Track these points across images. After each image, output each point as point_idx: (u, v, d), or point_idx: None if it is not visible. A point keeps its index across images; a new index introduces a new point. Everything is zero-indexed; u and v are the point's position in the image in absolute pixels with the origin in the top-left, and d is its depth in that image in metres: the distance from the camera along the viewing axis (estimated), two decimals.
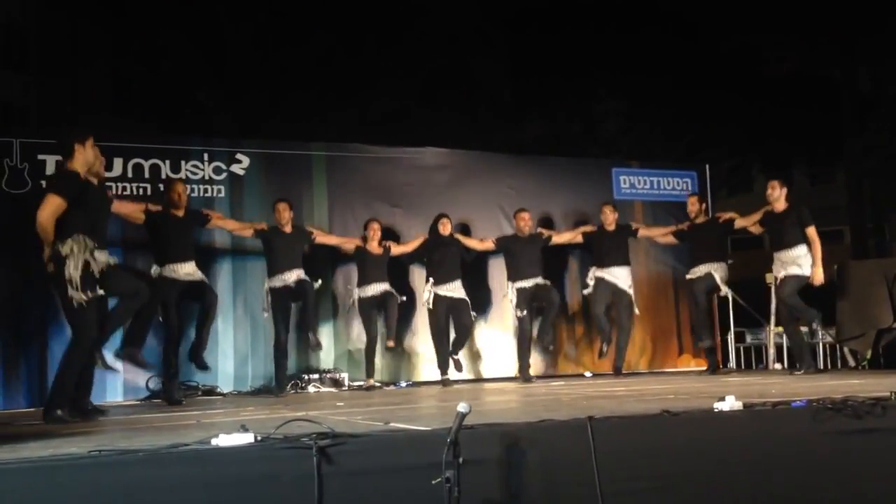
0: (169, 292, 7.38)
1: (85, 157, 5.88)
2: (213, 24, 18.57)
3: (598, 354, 9.42)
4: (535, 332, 9.14)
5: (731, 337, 10.23)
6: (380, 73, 18.40)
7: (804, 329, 8.64)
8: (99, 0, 21.14)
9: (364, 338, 8.77)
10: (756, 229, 9.05)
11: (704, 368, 9.47)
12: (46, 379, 7.41)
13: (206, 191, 8.55)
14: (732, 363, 10.16)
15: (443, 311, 8.76)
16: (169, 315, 7.39)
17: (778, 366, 9.59)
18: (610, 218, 9.40)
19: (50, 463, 3.17)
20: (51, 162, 7.74)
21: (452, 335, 8.97)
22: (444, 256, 8.83)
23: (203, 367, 7.61)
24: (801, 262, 8.33)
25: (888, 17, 16.61)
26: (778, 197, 8.58)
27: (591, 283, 9.37)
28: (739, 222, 9.11)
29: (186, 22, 18.48)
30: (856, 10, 17.20)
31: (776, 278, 8.57)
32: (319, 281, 8.33)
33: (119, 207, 7.11)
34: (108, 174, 7.68)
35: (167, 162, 8.41)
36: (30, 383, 7.58)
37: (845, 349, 9.52)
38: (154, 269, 7.45)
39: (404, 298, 8.80)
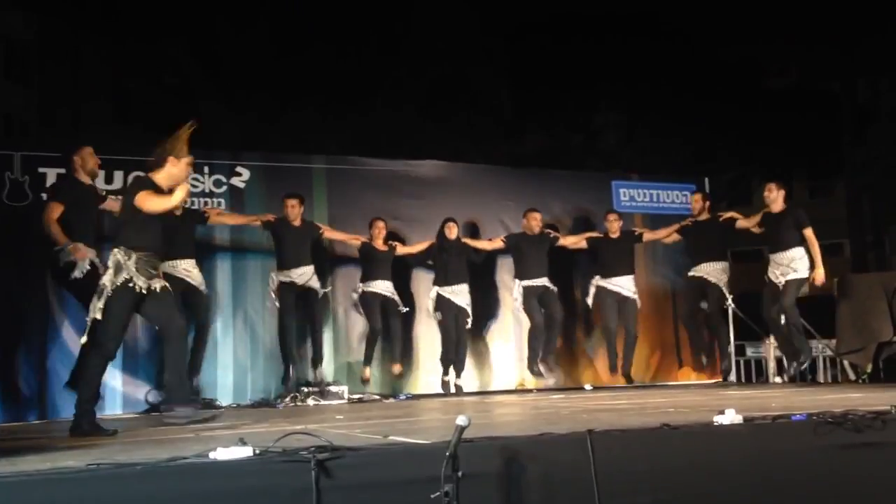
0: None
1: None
2: (213, 36, 18.62)
3: (609, 369, 9.44)
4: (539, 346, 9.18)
5: (731, 350, 10.21)
6: (379, 86, 18.44)
7: (792, 370, 8.76)
8: (100, 13, 21.19)
9: (364, 344, 8.81)
10: (757, 230, 9.06)
11: (708, 381, 9.48)
12: (46, 392, 7.41)
13: (206, 204, 8.59)
14: (733, 376, 10.13)
15: (447, 312, 8.84)
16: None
17: (778, 379, 9.55)
18: (615, 226, 9.44)
19: (48, 476, 3.15)
20: (51, 175, 7.77)
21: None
22: (449, 260, 8.87)
23: (195, 393, 7.45)
24: (796, 265, 8.35)
25: (887, 29, 16.63)
26: (775, 199, 8.62)
27: (592, 291, 9.40)
28: (741, 223, 9.16)
29: (187, 35, 18.53)
30: (855, 22, 17.24)
31: (774, 284, 8.53)
32: (329, 287, 8.37)
33: (112, 205, 7.18)
34: (109, 187, 7.76)
35: None
36: (29, 396, 7.54)
37: (845, 362, 9.48)
38: None
39: (406, 309, 8.83)
